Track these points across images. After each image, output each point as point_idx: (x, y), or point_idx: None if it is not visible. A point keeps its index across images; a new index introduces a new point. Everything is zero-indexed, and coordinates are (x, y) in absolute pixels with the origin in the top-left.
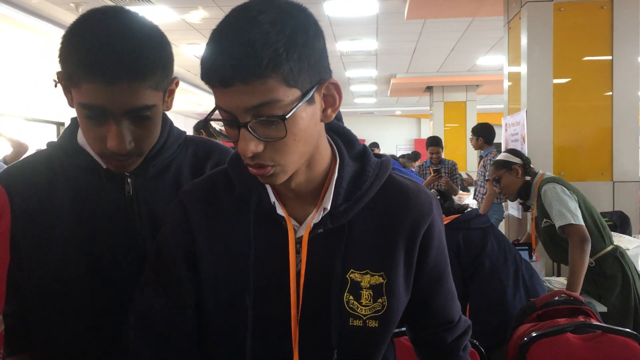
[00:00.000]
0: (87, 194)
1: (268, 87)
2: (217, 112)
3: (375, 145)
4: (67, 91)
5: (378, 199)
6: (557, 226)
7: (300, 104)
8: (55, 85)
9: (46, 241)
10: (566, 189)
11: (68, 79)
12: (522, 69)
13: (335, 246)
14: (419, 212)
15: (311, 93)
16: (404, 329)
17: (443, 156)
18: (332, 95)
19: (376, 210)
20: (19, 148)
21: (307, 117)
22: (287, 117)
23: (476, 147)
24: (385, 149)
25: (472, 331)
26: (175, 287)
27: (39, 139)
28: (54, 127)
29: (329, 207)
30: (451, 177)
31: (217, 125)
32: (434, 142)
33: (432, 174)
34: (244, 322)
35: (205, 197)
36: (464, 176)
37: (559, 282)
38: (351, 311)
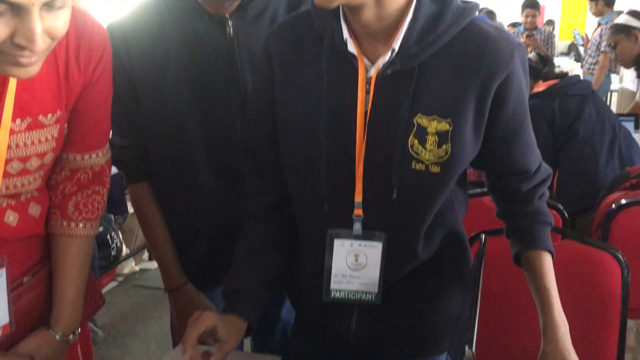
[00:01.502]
0: (194, 36)
1: None
2: None
3: (491, 14)
4: None
5: (454, 44)
6: None
7: None
8: None
9: (160, 80)
10: None
11: None
12: None
13: (404, 89)
14: (496, 59)
15: None
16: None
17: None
18: None
19: (451, 55)
20: None
21: None
22: None
23: (596, 13)
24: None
25: (559, 198)
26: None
27: None
28: None
29: (397, 48)
30: (546, 47)
31: None
32: (530, 4)
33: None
34: (319, 157)
35: (289, 37)
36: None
37: None
38: (414, 155)
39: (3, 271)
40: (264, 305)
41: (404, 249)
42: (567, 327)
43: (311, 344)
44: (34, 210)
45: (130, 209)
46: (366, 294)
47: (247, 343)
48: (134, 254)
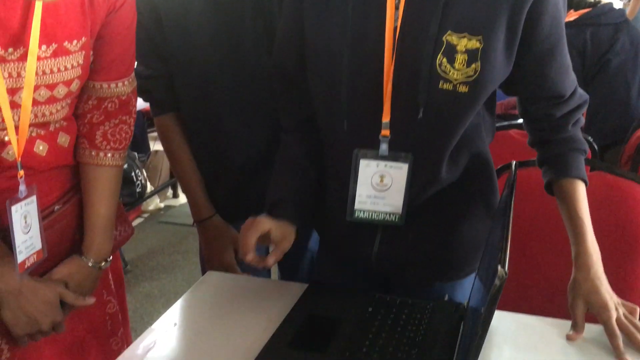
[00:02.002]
0: None
1: None
2: None
3: None
4: None
5: None
6: None
7: None
8: None
9: (184, 8)
10: None
11: None
12: None
13: (434, 4)
14: None
15: None
16: (513, 121)
17: None
18: None
19: None
20: None
21: None
22: None
23: None
24: None
25: (589, 130)
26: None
27: None
28: None
29: None
30: None
31: None
32: None
33: None
34: (339, 75)
35: None
36: None
37: None
38: (442, 74)
39: (34, 199)
40: (308, 213)
41: (429, 171)
42: (599, 256)
43: (335, 270)
44: (63, 139)
45: (153, 147)
46: (390, 215)
47: (275, 274)
48: (158, 191)
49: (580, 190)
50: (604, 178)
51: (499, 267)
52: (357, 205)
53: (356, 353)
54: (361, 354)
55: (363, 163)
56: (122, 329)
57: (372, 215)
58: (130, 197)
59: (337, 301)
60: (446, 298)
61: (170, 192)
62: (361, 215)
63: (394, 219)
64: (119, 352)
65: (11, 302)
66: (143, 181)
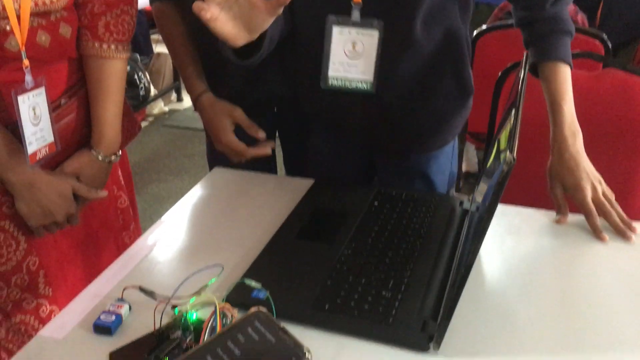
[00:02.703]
0: None
1: None
2: None
3: None
4: None
5: None
6: None
7: None
8: None
9: None
10: None
11: None
12: None
13: None
14: None
15: None
16: None
17: None
18: None
19: None
20: None
21: None
22: None
23: None
24: None
25: (603, 27)
26: None
27: None
28: None
29: None
30: None
31: None
32: None
33: None
34: None
35: None
36: None
37: None
38: None
39: (42, 90)
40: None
41: (401, 37)
42: (578, 138)
43: (326, 143)
44: (64, 30)
45: (156, 49)
46: (362, 83)
47: (281, 171)
48: (163, 94)
49: (562, 73)
50: (616, 75)
51: (508, 153)
52: (330, 72)
53: (362, 244)
54: (367, 245)
55: (336, 30)
56: (133, 224)
57: (345, 83)
58: (133, 99)
59: (343, 196)
60: (450, 191)
61: (174, 95)
62: (335, 82)
63: (365, 87)
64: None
65: (25, 195)
66: (146, 84)
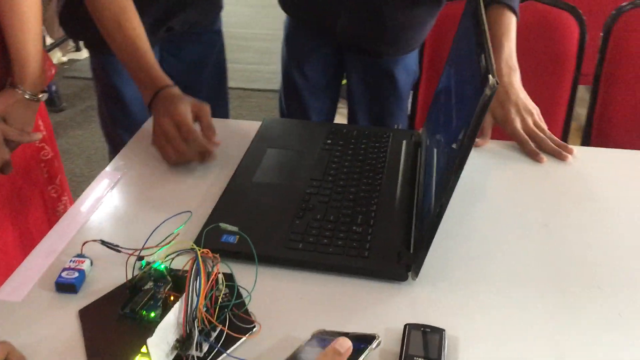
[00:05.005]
0: None
1: None
2: None
3: None
4: None
5: None
6: None
7: None
8: None
9: None
10: None
11: None
12: None
13: None
14: None
15: None
16: None
17: None
18: None
19: None
20: None
21: None
22: None
23: None
24: None
25: None
26: None
27: None
28: None
29: None
30: None
31: None
32: None
33: None
34: None
35: None
36: None
37: None
38: None
39: None
40: None
41: None
42: (513, 73)
43: (306, 40)
44: None
45: None
46: None
47: None
48: (59, 43)
49: (507, 18)
50: (535, 7)
51: (490, 77)
52: None
53: (323, 182)
54: (328, 182)
55: None
56: (59, 176)
57: None
58: None
59: (294, 134)
60: (398, 126)
61: (72, 44)
62: None
63: None
64: (59, 199)
65: None
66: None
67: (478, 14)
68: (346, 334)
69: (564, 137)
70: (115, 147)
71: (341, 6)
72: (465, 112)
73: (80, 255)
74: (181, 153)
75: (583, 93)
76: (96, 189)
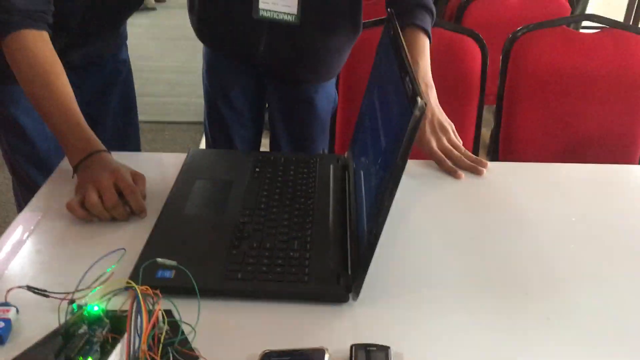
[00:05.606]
0: None
1: None
2: None
3: None
4: None
5: None
6: None
7: None
8: None
9: None
10: None
11: None
12: None
13: None
14: None
15: None
16: None
17: None
18: None
19: None
20: None
21: None
22: None
23: None
24: None
25: None
26: None
27: None
28: None
29: None
30: None
31: None
32: None
33: None
34: None
35: None
36: None
37: None
38: None
39: None
40: None
41: None
42: (432, 92)
43: (228, 70)
44: None
45: None
46: (288, 15)
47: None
48: None
49: (421, 39)
50: (442, 33)
51: (418, 99)
52: (261, 5)
53: (255, 210)
54: (261, 210)
55: None
56: None
57: (273, 15)
58: None
59: (222, 164)
60: (324, 151)
61: None
62: (265, 14)
63: (291, 19)
64: None
65: None
66: None
67: (398, 39)
68: (295, 351)
69: (475, 153)
70: (20, 179)
71: (260, 35)
72: (393, 134)
73: (5, 304)
74: (111, 205)
75: (485, 113)
76: (14, 233)
